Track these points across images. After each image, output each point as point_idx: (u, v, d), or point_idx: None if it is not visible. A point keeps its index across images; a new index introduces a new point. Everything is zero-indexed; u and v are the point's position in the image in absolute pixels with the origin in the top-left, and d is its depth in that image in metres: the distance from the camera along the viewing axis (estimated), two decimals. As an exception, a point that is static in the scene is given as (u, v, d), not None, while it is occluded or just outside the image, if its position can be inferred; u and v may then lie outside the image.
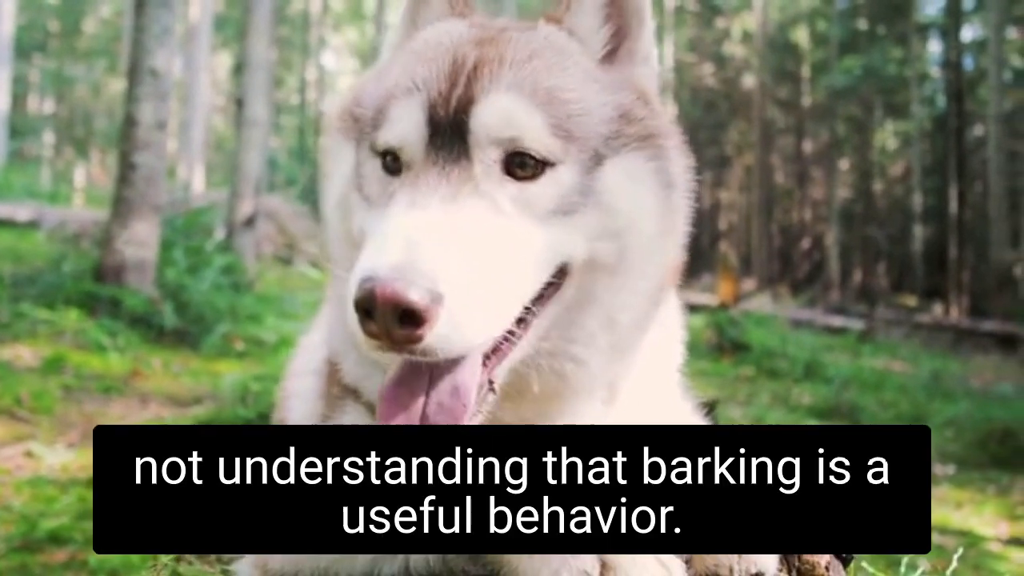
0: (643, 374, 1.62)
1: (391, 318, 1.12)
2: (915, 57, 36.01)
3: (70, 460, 5.38)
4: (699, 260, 39.15)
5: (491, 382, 1.32)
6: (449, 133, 1.32)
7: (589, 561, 1.19)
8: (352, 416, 1.63)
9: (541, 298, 1.35)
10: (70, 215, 15.42)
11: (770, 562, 1.24)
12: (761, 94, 37.80)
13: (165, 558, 2.00)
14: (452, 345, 1.17)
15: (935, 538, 6.43)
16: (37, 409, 6.14)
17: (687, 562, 1.24)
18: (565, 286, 1.38)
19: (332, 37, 49.59)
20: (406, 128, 1.35)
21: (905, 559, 1.85)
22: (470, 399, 1.25)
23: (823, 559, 1.33)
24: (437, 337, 1.15)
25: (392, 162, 1.37)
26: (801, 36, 41.40)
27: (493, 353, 1.31)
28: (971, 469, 8.89)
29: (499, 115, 1.32)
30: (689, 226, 1.57)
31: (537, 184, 1.33)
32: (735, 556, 1.23)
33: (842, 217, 38.06)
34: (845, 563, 1.39)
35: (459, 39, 1.43)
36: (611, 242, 1.38)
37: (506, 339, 1.31)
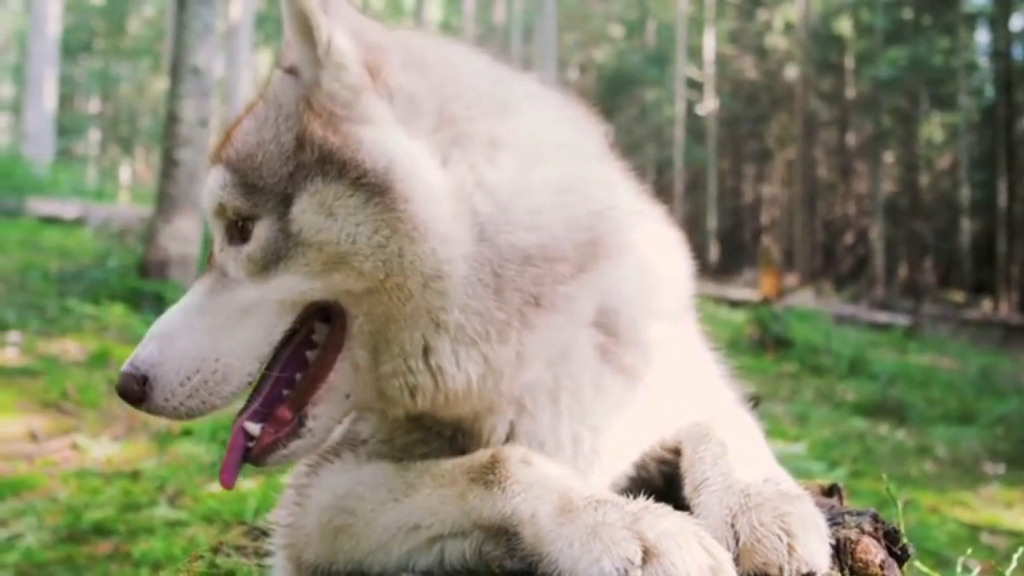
0: (659, 343, 1.58)
1: (126, 401, 1.44)
2: (962, 47, 35.36)
3: (115, 452, 5.45)
4: (741, 255, 38.82)
5: (302, 419, 1.45)
6: None
7: (631, 548, 1.15)
8: (380, 413, 1.62)
9: (333, 341, 1.45)
10: (115, 212, 15.69)
11: (822, 560, 1.19)
12: (804, 86, 37.31)
13: (203, 549, 2.01)
14: (171, 412, 1.44)
15: (985, 538, 6.31)
16: (83, 402, 6.24)
17: (735, 559, 1.20)
18: (351, 319, 1.42)
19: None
20: None
21: (960, 559, 1.78)
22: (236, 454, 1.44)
23: (878, 557, 1.27)
24: (155, 408, 1.43)
25: None
26: (845, 27, 40.79)
27: (301, 394, 1.45)
28: (1022, 468, 8.69)
29: (207, 190, 1.49)
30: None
31: (248, 243, 1.43)
32: (786, 554, 1.18)
33: (887, 211, 37.48)
34: (900, 561, 1.33)
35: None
36: (343, 272, 1.38)
37: (310, 381, 1.45)
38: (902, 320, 20.85)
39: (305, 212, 1.38)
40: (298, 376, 1.46)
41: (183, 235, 8.73)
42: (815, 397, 11.34)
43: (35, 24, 22.65)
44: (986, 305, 30.82)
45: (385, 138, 1.42)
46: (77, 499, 4.69)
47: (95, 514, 4.48)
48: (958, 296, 32.82)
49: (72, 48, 37.75)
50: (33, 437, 5.57)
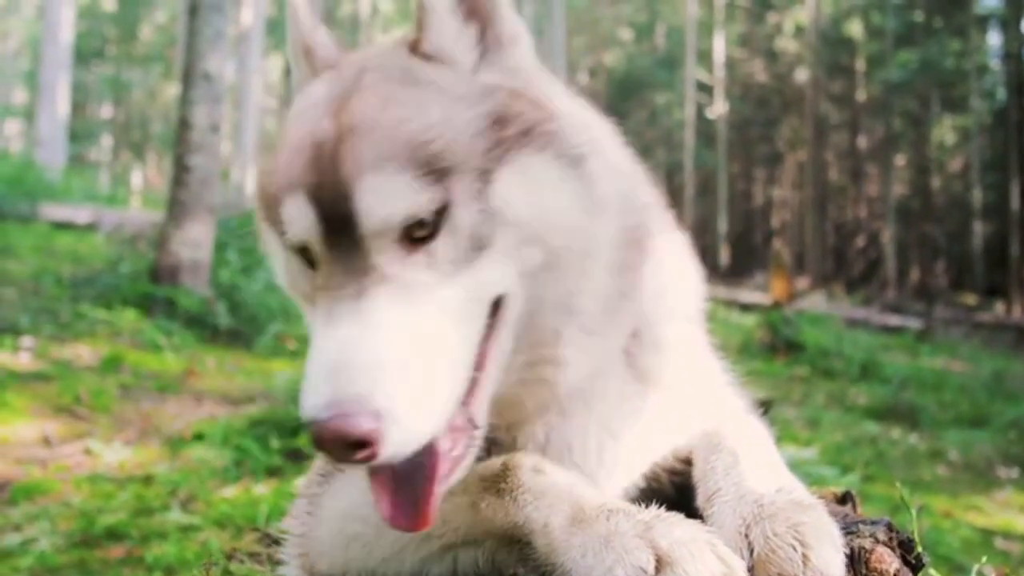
0: (674, 347, 1.60)
1: (343, 451, 1.14)
2: (974, 49, 35.20)
3: (127, 457, 5.47)
4: (752, 258, 38.71)
5: (473, 424, 1.32)
6: (337, 225, 1.26)
7: (644, 557, 1.15)
8: None
9: (488, 334, 1.33)
10: (127, 217, 15.73)
11: (837, 570, 1.18)
12: (814, 89, 37.21)
13: (219, 556, 2.01)
14: (410, 446, 1.18)
15: (999, 543, 6.27)
16: (96, 407, 6.26)
17: (749, 570, 1.20)
18: (510, 307, 1.34)
19: (381, 40, 50.04)
20: (303, 228, 1.29)
21: (975, 567, 1.77)
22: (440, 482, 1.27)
23: (892, 566, 1.27)
24: (392, 447, 1.15)
25: (308, 255, 1.33)
26: (855, 29, 40.68)
27: (466, 396, 1.30)
28: (1036, 472, 8.65)
29: (376, 201, 1.24)
30: (629, 169, 1.54)
31: (438, 239, 1.26)
32: (801, 565, 1.18)
33: (898, 214, 37.31)
34: (915, 570, 1.32)
35: (318, 110, 1.34)
36: (534, 249, 1.32)
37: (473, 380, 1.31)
38: (914, 323, 20.77)
39: (510, 188, 1.29)
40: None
41: (195, 241, 8.75)
42: (827, 401, 11.29)
43: (48, 30, 22.79)
44: (999, 308, 30.64)
45: (572, 111, 1.43)
46: (90, 504, 4.70)
47: (108, 519, 4.49)
48: (970, 299, 32.65)
49: (84, 54, 37.94)
50: (46, 442, 5.60)
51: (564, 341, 1.40)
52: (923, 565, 1.33)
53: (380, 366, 1.17)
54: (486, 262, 1.28)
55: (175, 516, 4.60)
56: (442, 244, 1.26)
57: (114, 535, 4.39)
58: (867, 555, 1.28)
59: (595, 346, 1.44)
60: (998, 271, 32.92)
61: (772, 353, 13.69)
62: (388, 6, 48.73)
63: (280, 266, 1.45)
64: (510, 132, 1.31)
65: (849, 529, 1.32)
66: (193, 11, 8.89)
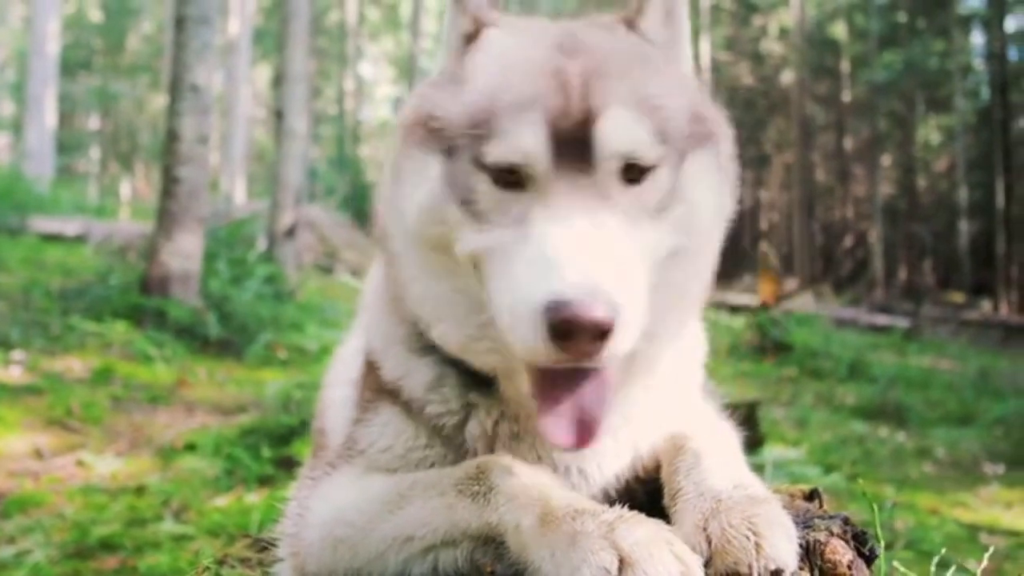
0: (676, 363, 1.71)
1: (589, 338, 1.21)
2: (957, 49, 35.41)
3: (119, 468, 5.49)
4: (740, 260, 38.77)
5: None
6: (570, 147, 1.36)
7: (608, 558, 1.22)
8: (384, 417, 1.68)
9: None
10: (116, 228, 15.70)
11: (789, 558, 1.25)
12: (800, 91, 37.37)
13: (209, 561, 2.07)
14: (621, 351, 1.27)
15: (983, 538, 6.34)
16: (87, 419, 6.28)
17: (708, 561, 1.27)
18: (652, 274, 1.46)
19: (369, 47, 50.02)
20: (529, 143, 1.36)
21: (936, 558, 1.85)
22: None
23: (846, 557, 1.34)
24: (613, 347, 1.24)
25: (507, 176, 1.38)
26: (840, 31, 40.90)
27: None
28: (1021, 468, 8.72)
29: (619, 131, 1.38)
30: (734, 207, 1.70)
31: (643, 187, 1.41)
32: (754, 553, 1.25)
33: (885, 214, 37.47)
34: (869, 561, 1.39)
35: (544, 49, 1.47)
36: (687, 233, 1.48)
37: None
38: (902, 322, 20.85)
39: (691, 174, 1.49)
40: None
41: (184, 252, 8.76)
42: (815, 401, 11.36)
43: (35, 43, 22.75)
44: (985, 306, 30.82)
45: (721, 121, 1.68)
46: (83, 515, 4.72)
47: (101, 530, 4.52)
48: (958, 297, 32.81)
49: (71, 66, 37.78)
50: (38, 454, 5.62)
51: (667, 323, 1.53)
52: (876, 556, 1.41)
53: (618, 271, 1.28)
54: (660, 226, 1.43)
55: (168, 526, 4.63)
56: (646, 191, 1.41)
57: (107, 546, 4.41)
58: (822, 547, 1.35)
59: (673, 340, 1.62)
60: (985, 269, 33.10)
61: (761, 354, 13.78)
62: (375, 14, 48.73)
63: (431, 187, 1.46)
64: (700, 129, 1.52)
65: (806, 523, 1.39)
66: (179, 23, 8.90)
